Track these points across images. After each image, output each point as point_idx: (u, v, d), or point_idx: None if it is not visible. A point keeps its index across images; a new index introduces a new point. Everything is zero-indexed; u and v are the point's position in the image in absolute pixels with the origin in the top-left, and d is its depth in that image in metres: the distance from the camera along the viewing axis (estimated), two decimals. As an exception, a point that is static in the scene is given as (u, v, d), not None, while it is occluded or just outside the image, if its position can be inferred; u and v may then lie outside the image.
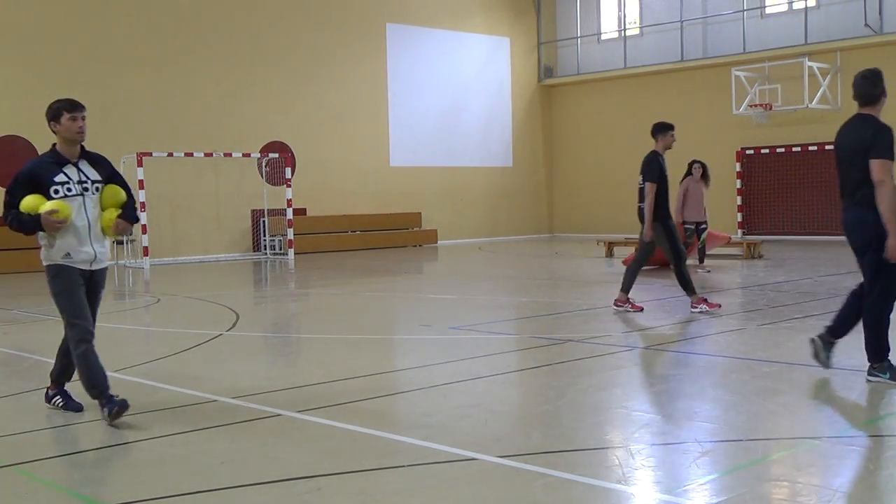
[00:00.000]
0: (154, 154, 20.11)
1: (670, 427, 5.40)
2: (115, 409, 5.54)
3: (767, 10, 25.25)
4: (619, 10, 28.46)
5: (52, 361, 8.24)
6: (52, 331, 10.71)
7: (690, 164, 15.30)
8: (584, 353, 7.81)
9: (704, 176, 15.20)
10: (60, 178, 5.70)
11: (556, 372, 7.08)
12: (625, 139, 28.02)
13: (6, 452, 5.10)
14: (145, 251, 19.73)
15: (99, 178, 5.89)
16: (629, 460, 4.65)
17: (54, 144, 5.81)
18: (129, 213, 5.95)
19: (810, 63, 22.81)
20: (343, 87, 25.00)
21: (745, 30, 25.26)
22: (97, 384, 5.66)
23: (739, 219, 25.00)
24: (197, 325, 10.28)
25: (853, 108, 6.46)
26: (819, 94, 22.97)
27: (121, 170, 20.57)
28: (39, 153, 23.45)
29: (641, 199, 10.12)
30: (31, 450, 5.12)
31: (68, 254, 5.71)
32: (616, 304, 10.31)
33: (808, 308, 10.25)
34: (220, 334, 9.44)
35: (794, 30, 24.40)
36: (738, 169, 24.99)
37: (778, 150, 24.22)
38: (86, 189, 5.78)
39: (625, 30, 28.24)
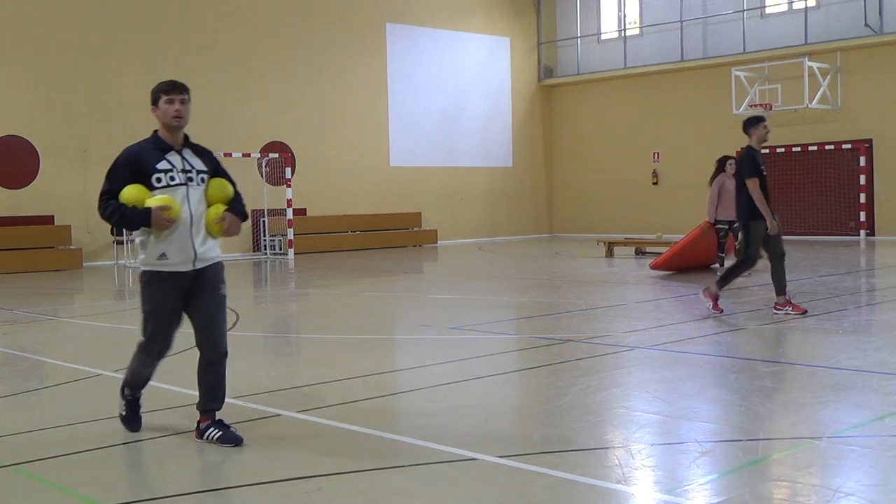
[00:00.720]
0: (154, 154, 20.09)
1: (670, 427, 5.40)
2: (130, 425, 5.43)
3: (767, 10, 25.26)
4: (619, 10, 28.46)
5: (52, 361, 8.29)
6: (52, 331, 10.72)
7: (723, 161, 14.48)
8: (584, 353, 7.81)
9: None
10: (163, 165, 5.07)
11: (556, 372, 7.08)
12: (625, 139, 28.04)
13: (6, 452, 5.10)
14: (145, 251, 19.70)
15: (205, 168, 5.21)
16: (629, 460, 4.65)
17: (155, 130, 5.22)
18: (237, 207, 5.27)
19: (810, 63, 22.81)
20: (343, 87, 25.00)
21: (745, 30, 25.26)
22: (136, 388, 5.44)
23: (739, 219, 24.97)
24: (197, 325, 10.25)
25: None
26: (819, 94, 22.97)
27: (121, 170, 20.89)
28: (39, 153, 23.36)
29: (742, 197, 9.66)
30: (31, 450, 5.12)
31: (164, 254, 5.05)
32: (776, 309, 9.68)
33: (808, 308, 10.24)
34: (220, 334, 9.43)
35: (794, 30, 24.40)
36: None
37: (778, 150, 24.20)
38: (190, 179, 5.11)
39: (625, 30, 28.24)
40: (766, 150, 24.33)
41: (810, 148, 23.65)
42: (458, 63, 27.56)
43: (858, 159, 22.80)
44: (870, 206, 23.02)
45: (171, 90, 5.10)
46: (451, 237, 26.94)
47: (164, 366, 7.72)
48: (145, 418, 5.79)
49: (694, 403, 5.98)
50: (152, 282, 5.13)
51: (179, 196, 5.05)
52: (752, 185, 9.49)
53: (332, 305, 12.73)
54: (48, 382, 7.41)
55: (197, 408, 5.26)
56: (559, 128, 29.87)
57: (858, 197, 22.78)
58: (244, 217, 5.30)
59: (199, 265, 5.14)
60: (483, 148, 28.20)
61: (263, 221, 23.01)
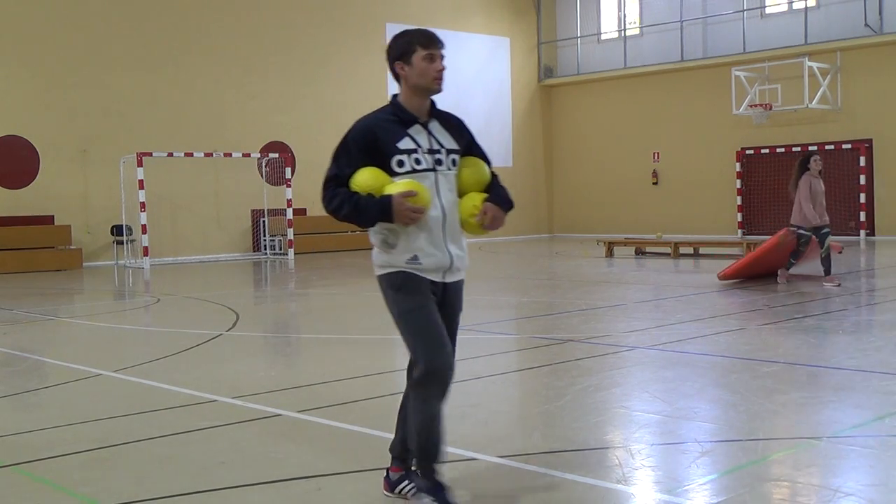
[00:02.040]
0: (154, 154, 20.12)
1: (670, 427, 5.40)
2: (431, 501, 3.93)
3: (767, 10, 25.26)
4: (619, 10, 28.47)
5: (52, 361, 8.29)
6: (52, 331, 10.72)
7: (806, 159, 12.64)
8: (584, 353, 7.81)
9: (821, 171, 12.69)
10: (406, 143, 3.86)
11: (556, 372, 7.07)
12: (625, 139, 28.04)
13: (6, 452, 5.10)
14: (145, 251, 19.73)
15: (456, 146, 4.01)
16: (629, 460, 4.65)
17: (395, 96, 4.01)
18: (500, 195, 4.08)
19: (810, 63, 22.82)
20: (343, 88, 25.00)
21: (745, 30, 25.27)
22: (431, 456, 3.94)
23: (739, 219, 25.00)
24: (197, 325, 10.28)
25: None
26: (819, 94, 22.98)
27: (120, 170, 20.90)
28: (39, 153, 23.44)
29: None
30: (31, 450, 5.12)
31: (415, 256, 3.87)
32: None
33: (808, 308, 10.24)
34: (220, 334, 9.44)
35: (794, 30, 24.41)
36: (738, 169, 24.99)
37: (778, 150, 24.21)
38: (439, 162, 3.91)
39: (625, 30, 28.24)
40: (766, 151, 24.37)
41: (810, 148, 23.58)
42: (458, 63, 27.43)
43: (858, 159, 22.80)
44: (870, 206, 23.03)
45: (431, 43, 3.86)
46: (451, 237, 26.91)
47: (163, 367, 7.76)
48: (145, 418, 5.78)
49: (694, 403, 5.97)
50: (404, 283, 3.91)
51: (427, 185, 3.86)
52: None
53: (332, 305, 12.73)
54: (48, 382, 7.41)
55: (390, 451, 4.19)
56: (559, 128, 29.87)
57: (858, 197, 22.79)
58: (510, 206, 4.10)
59: (448, 278, 4.03)
60: (483, 148, 28.13)
61: (263, 221, 23.03)
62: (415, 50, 3.85)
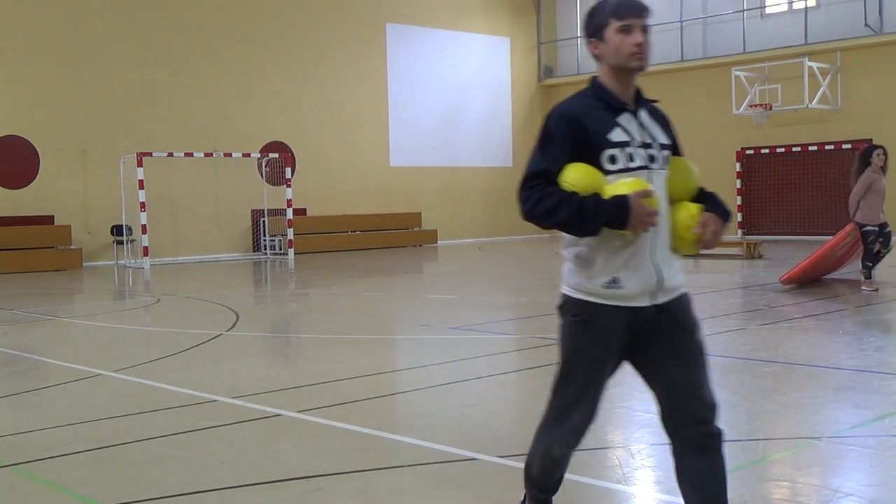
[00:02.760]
0: (154, 154, 20.12)
1: (670, 427, 5.39)
2: None
3: (767, 10, 25.27)
4: (619, 10, 28.46)
5: (52, 361, 8.28)
6: (52, 331, 10.72)
7: (868, 152, 11.42)
8: (584, 353, 7.79)
9: (884, 166, 11.44)
10: (618, 135, 3.14)
11: (556, 372, 7.07)
12: (625, 139, 28.07)
13: (6, 452, 5.10)
14: (145, 251, 19.73)
15: (668, 141, 3.30)
16: (629, 460, 4.65)
17: (594, 78, 3.30)
18: (718, 204, 3.27)
19: (810, 63, 22.81)
20: (343, 87, 25.00)
21: (745, 30, 25.26)
22: (548, 488, 3.53)
23: (739, 219, 24.99)
24: (197, 325, 10.28)
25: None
26: (819, 94, 22.97)
27: (120, 170, 20.89)
28: (39, 153, 23.43)
29: None
30: (31, 450, 5.11)
31: (615, 279, 3.13)
32: None
33: (808, 308, 10.24)
34: (220, 334, 9.44)
35: (794, 30, 24.41)
36: (738, 169, 24.98)
37: (778, 150, 24.21)
38: (652, 159, 3.17)
39: (625, 30, 28.24)
40: (766, 151, 24.37)
41: (810, 148, 23.66)
42: (458, 63, 27.56)
43: (858, 159, 22.79)
44: (870, 206, 23.01)
45: (627, 13, 3.26)
46: (451, 237, 26.94)
47: (163, 367, 7.76)
48: (145, 418, 5.78)
49: (694, 403, 5.96)
50: (590, 319, 3.19)
51: None
52: None
53: (332, 305, 12.72)
54: (48, 382, 7.41)
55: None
56: (559, 128, 29.83)
57: (858, 197, 22.75)
58: (729, 217, 3.28)
59: (661, 298, 3.21)
60: (483, 148, 28.19)
61: (263, 221, 23.03)
62: (608, 23, 3.23)
